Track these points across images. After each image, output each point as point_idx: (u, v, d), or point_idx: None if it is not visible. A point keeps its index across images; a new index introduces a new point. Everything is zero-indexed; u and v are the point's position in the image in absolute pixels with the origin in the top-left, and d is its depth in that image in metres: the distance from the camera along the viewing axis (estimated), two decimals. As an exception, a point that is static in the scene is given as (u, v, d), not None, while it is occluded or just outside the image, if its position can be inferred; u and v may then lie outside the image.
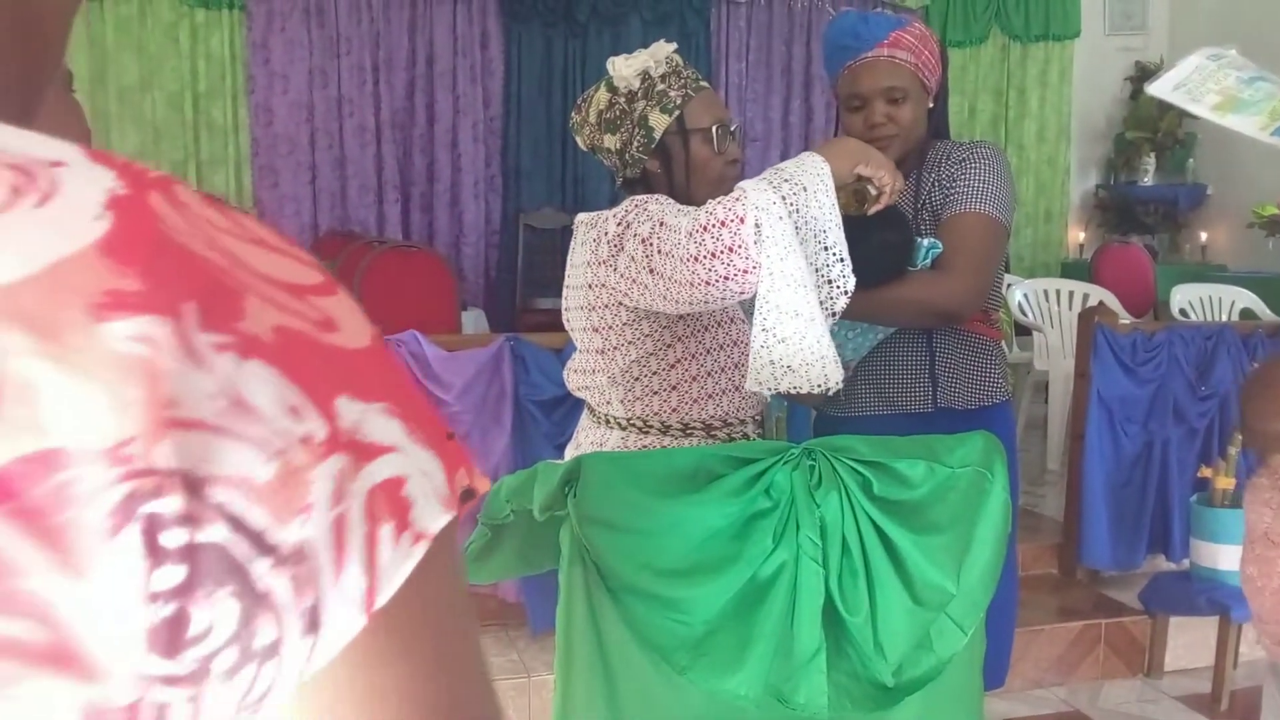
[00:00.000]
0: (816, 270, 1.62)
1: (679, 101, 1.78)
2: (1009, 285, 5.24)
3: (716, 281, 1.53)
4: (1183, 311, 5.43)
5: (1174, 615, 3.41)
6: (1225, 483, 3.37)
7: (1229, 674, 3.24)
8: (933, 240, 1.92)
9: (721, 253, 1.52)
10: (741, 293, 1.57)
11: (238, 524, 0.34)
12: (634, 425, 1.80)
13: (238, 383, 0.34)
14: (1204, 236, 7.09)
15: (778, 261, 1.54)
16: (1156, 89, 1.58)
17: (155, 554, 0.33)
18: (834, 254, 1.62)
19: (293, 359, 0.36)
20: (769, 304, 1.56)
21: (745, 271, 1.53)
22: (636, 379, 1.77)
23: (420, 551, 0.37)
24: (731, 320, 1.81)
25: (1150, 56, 7.20)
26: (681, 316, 1.74)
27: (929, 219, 2.00)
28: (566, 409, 3.05)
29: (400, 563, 0.37)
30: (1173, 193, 7.14)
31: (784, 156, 6.56)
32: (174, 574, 0.34)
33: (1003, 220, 1.95)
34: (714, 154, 1.80)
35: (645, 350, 1.75)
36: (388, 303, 4.25)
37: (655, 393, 1.78)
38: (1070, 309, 5.26)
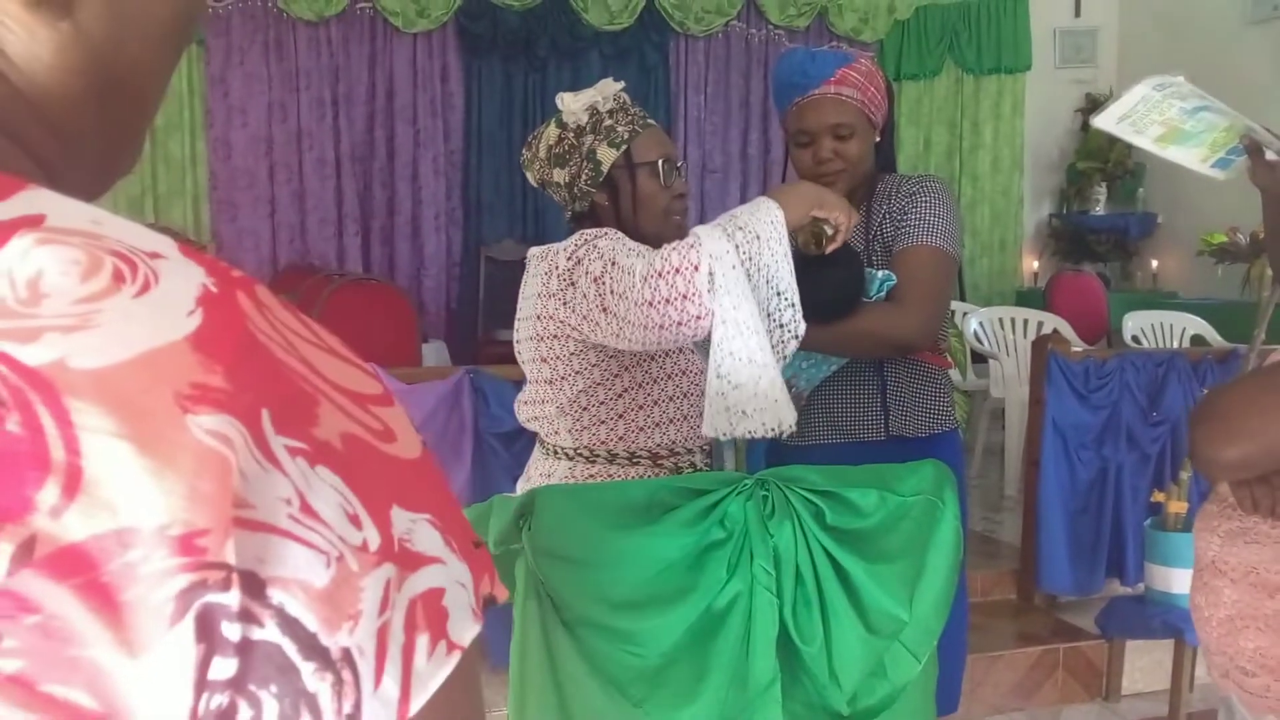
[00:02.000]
0: (769, 315, 1.64)
1: (626, 136, 1.81)
2: (965, 314, 5.31)
3: (670, 326, 1.56)
4: (1135, 338, 5.52)
5: (1130, 639, 3.45)
6: (1178, 507, 3.42)
7: (1185, 697, 3.28)
8: (886, 273, 1.96)
9: (675, 299, 1.54)
10: (694, 336, 1.60)
11: (293, 626, 0.35)
12: (581, 455, 1.81)
13: (306, 488, 0.36)
14: (1155, 264, 7.22)
15: (730, 310, 1.57)
16: (1101, 121, 1.62)
17: (211, 644, 0.35)
18: (786, 299, 1.65)
19: (356, 468, 0.37)
20: (722, 350, 1.59)
21: (698, 318, 1.56)
22: (584, 409, 1.79)
23: (454, 662, 0.39)
24: (679, 350, 1.83)
25: (1100, 89, 7.35)
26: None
27: (880, 251, 2.03)
28: (525, 442, 3.04)
29: (435, 672, 0.38)
30: (1124, 222, 7.27)
31: (742, 188, 6.63)
32: (227, 666, 0.35)
33: (953, 253, 1.99)
34: (661, 188, 1.83)
35: (593, 380, 1.77)
36: (348, 335, 4.16)
37: (602, 422, 1.79)
38: (1025, 337, 5.33)
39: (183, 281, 0.38)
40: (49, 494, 0.33)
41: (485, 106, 6.19)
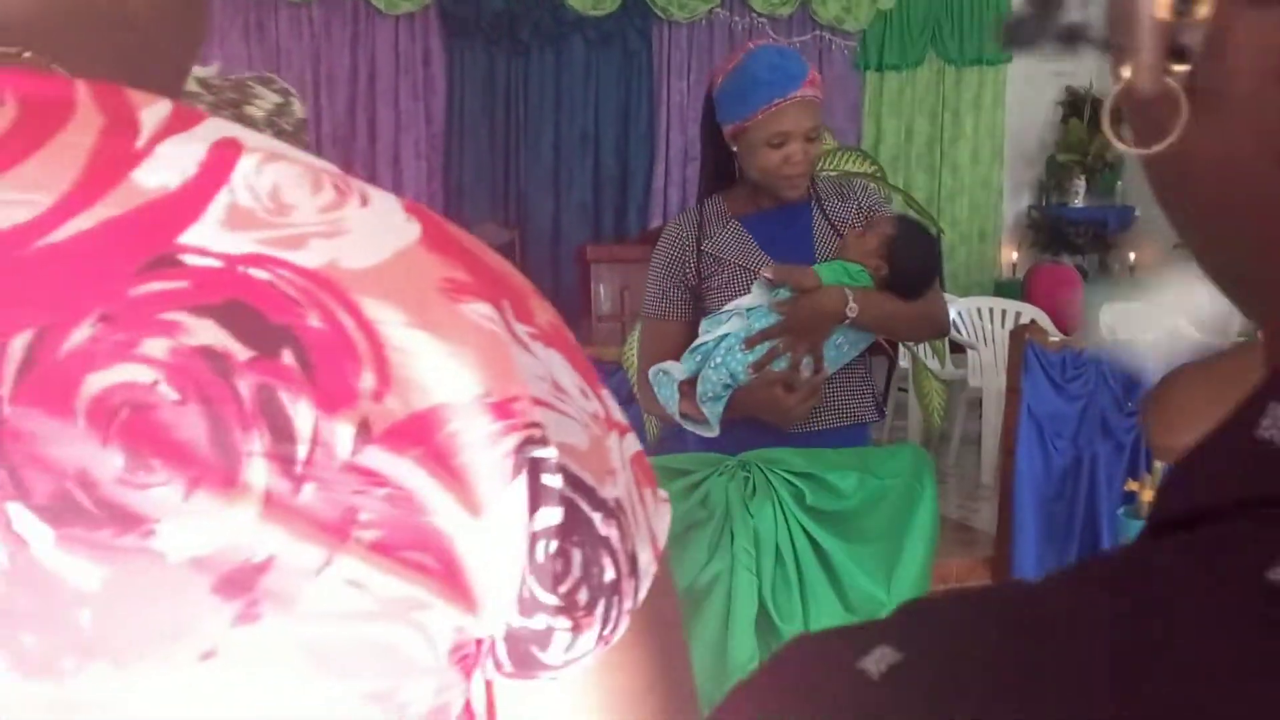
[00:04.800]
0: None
1: None
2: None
3: None
4: (1113, 328, 5.57)
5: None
6: (1150, 496, 3.46)
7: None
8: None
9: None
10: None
11: (579, 483, 0.40)
12: None
13: (550, 367, 0.41)
14: (1132, 257, 7.28)
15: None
16: None
17: (538, 495, 0.39)
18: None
19: (570, 350, 0.43)
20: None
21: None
22: None
23: (667, 510, 0.46)
24: None
25: (1080, 81, 7.40)
26: None
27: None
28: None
29: (661, 518, 0.45)
30: (1102, 214, 7.32)
31: (725, 175, 6.63)
32: (553, 515, 0.40)
33: None
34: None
35: None
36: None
37: None
38: (1003, 327, 5.37)
39: (384, 196, 0.42)
40: (367, 380, 0.37)
41: (468, 90, 6.17)
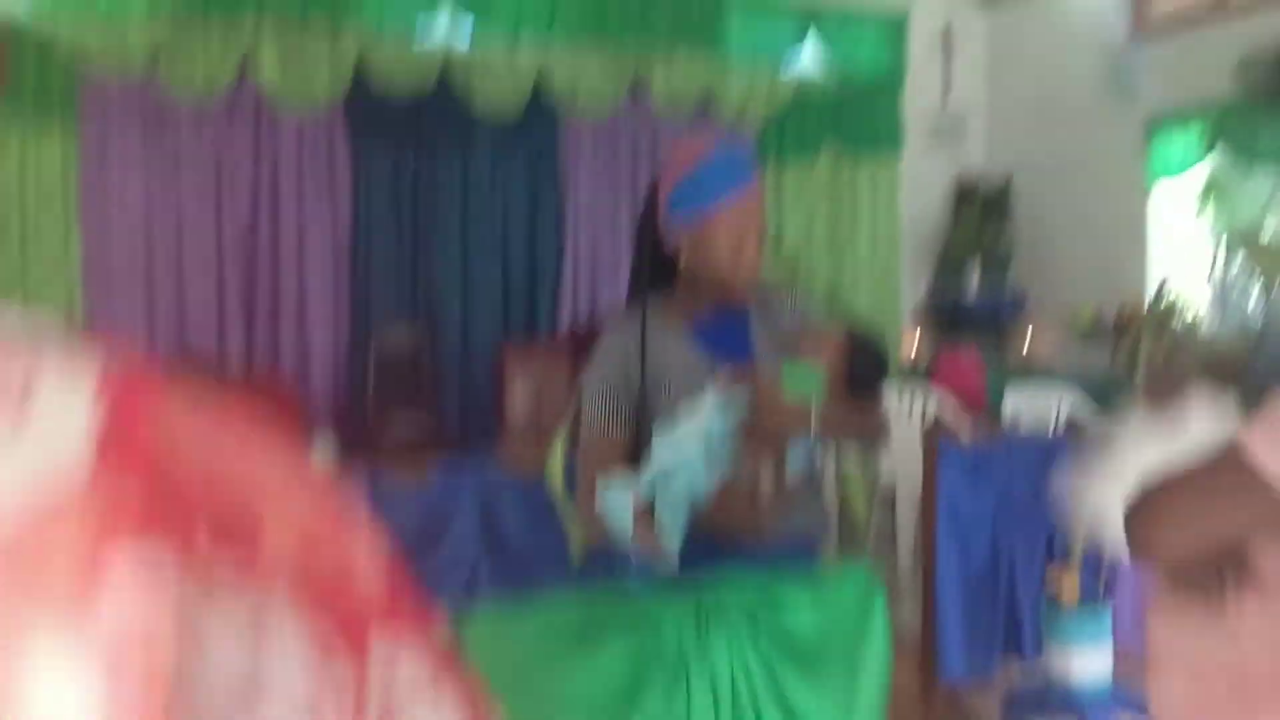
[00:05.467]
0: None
1: None
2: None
3: None
4: (1014, 414, 5.72)
5: (1032, 722, 3.52)
6: (1071, 585, 3.53)
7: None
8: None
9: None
10: None
11: None
12: None
13: None
14: (1027, 341, 7.51)
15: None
16: None
17: None
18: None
19: None
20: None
21: None
22: None
23: None
24: None
25: (969, 172, 7.70)
26: None
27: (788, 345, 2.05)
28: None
29: None
30: (997, 299, 7.56)
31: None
32: None
33: None
34: None
35: None
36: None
37: None
38: (911, 415, 5.47)
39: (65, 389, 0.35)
40: None
41: (375, 191, 6.13)
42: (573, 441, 3.40)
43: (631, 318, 1.94)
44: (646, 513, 1.74)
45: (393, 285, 6.18)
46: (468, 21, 6.11)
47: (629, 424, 1.88)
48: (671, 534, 1.72)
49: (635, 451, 1.83)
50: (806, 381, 1.80)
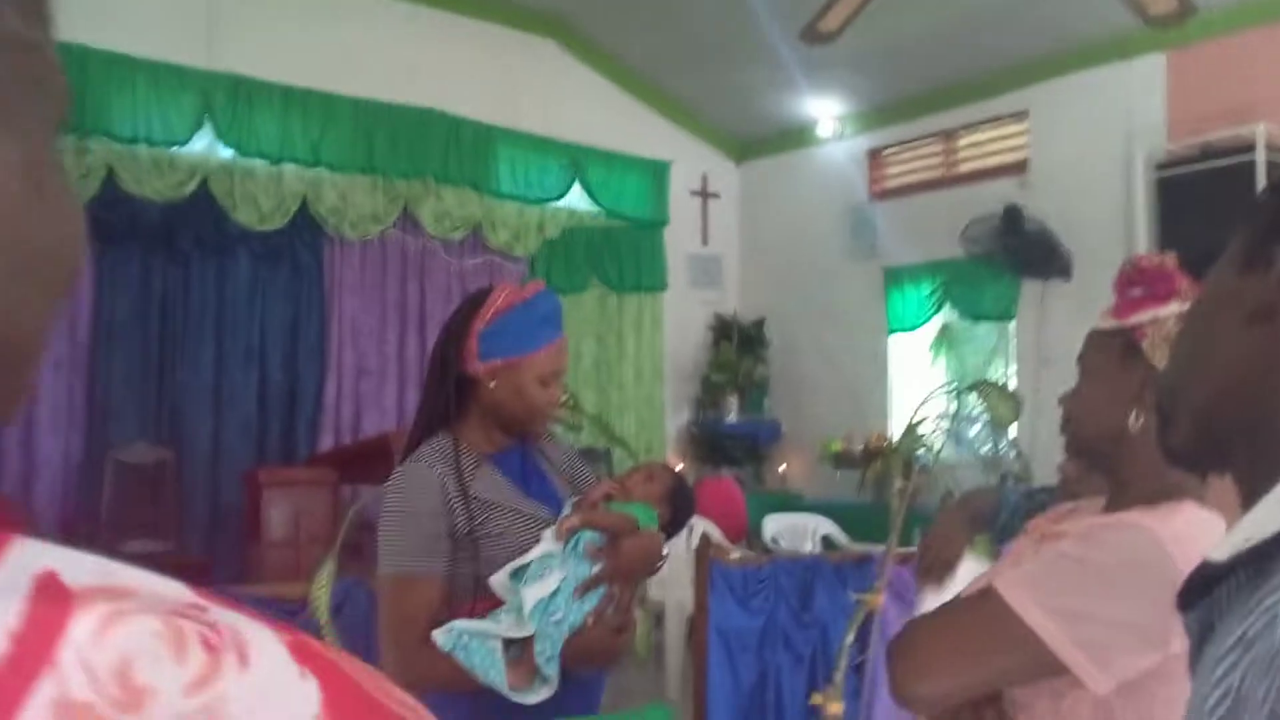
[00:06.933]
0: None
1: None
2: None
3: None
4: (774, 538, 5.89)
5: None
6: (835, 708, 3.58)
7: None
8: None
9: None
10: None
11: None
12: None
13: None
14: (782, 468, 7.82)
15: None
16: None
17: None
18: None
19: None
20: None
21: None
22: None
23: None
24: None
25: (726, 309, 8.09)
26: None
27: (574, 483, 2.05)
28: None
29: None
30: (754, 428, 7.87)
31: (401, 390, 6.53)
32: None
33: None
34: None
35: None
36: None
37: None
38: (675, 539, 5.52)
39: (266, 640, 0.31)
40: None
41: (119, 299, 5.75)
42: (341, 568, 3.21)
43: (439, 447, 1.87)
44: (517, 658, 1.67)
45: (136, 399, 5.76)
46: (229, 150, 5.93)
47: (446, 566, 1.76)
48: (552, 664, 1.66)
49: (456, 590, 1.74)
50: (649, 521, 1.88)
